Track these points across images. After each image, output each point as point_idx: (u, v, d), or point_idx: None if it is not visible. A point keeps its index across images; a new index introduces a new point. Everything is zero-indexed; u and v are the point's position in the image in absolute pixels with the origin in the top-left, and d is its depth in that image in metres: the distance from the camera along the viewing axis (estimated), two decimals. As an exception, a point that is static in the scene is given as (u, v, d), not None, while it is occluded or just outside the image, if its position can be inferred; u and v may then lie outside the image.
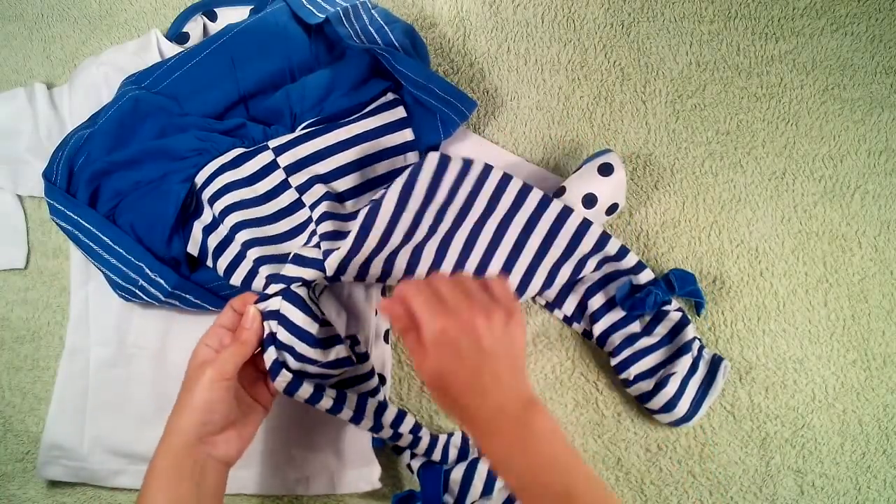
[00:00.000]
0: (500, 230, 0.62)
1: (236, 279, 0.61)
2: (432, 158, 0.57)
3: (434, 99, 0.64)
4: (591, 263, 0.62)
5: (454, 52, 0.74)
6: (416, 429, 0.60)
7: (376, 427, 0.58)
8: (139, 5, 0.76)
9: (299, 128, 0.64)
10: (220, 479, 0.52)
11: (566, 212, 0.61)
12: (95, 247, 0.62)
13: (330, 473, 0.63)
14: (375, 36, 0.66)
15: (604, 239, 0.61)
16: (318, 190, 0.61)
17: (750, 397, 0.65)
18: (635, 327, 0.63)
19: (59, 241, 0.70)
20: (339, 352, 0.56)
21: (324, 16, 0.67)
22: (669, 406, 0.61)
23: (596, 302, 0.64)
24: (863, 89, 0.72)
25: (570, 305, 0.66)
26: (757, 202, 0.70)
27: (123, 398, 0.64)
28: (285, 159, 0.62)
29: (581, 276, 0.63)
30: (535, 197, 0.61)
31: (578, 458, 0.46)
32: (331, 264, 0.57)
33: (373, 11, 0.68)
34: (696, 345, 0.62)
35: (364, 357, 0.61)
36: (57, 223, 0.64)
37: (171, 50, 0.72)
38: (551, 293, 0.65)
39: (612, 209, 0.64)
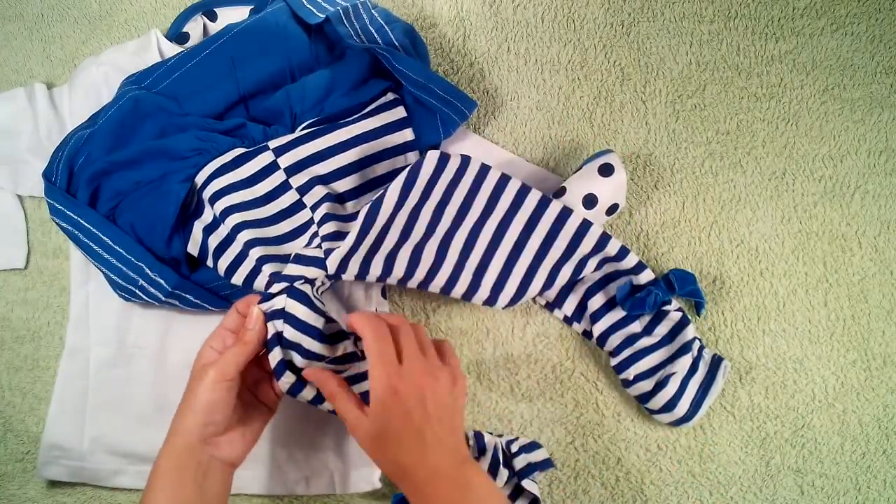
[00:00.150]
0: (500, 230, 0.62)
1: (237, 279, 0.61)
2: (432, 156, 0.57)
3: (434, 99, 0.64)
4: (592, 264, 0.63)
5: (454, 52, 0.74)
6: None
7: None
8: (139, 5, 0.76)
9: (299, 128, 0.64)
10: (225, 480, 0.52)
11: (566, 212, 0.61)
12: (95, 247, 0.62)
13: (330, 473, 0.63)
14: (375, 36, 0.66)
15: (604, 239, 0.61)
16: (319, 191, 0.61)
17: (750, 397, 0.65)
18: (635, 327, 0.63)
19: (59, 241, 0.70)
20: (346, 346, 0.56)
21: (324, 15, 0.67)
22: (669, 406, 0.61)
23: (596, 302, 0.64)
24: (863, 89, 0.72)
25: (570, 305, 0.66)
26: (757, 202, 0.70)
27: (123, 398, 0.64)
28: (286, 160, 0.62)
29: (581, 276, 0.63)
30: (534, 197, 0.61)
31: None
32: (332, 261, 0.57)
33: (373, 11, 0.68)
34: (696, 345, 0.62)
35: (365, 356, 0.61)
36: (57, 223, 0.64)
37: (171, 50, 0.72)
38: (551, 293, 0.65)
39: (612, 209, 0.64)
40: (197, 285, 0.63)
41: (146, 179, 0.63)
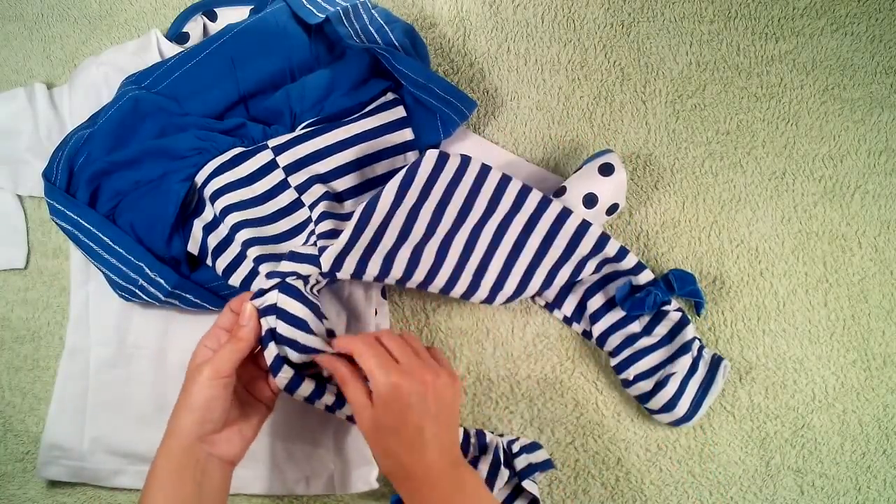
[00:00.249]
0: (500, 231, 0.62)
1: (235, 280, 0.61)
2: (431, 155, 0.57)
3: (434, 99, 0.64)
4: (591, 266, 0.62)
5: (454, 52, 0.74)
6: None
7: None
8: (139, 5, 0.76)
9: (299, 127, 0.64)
10: (224, 478, 0.52)
11: (565, 213, 0.61)
12: (95, 247, 0.62)
13: (329, 473, 0.63)
14: (375, 35, 0.66)
15: (603, 240, 0.61)
16: (318, 190, 0.61)
17: (750, 397, 0.65)
18: (635, 327, 0.63)
19: (59, 241, 0.70)
20: None
21: (324, 15, 0.67)
22: (669, 406, 0.61)
23: (595, 302, 0.64)
24: (863, 89, 0.72)
25: (569, 306, 0.66)
26: (757, 202, 0.70)
27: (123, 398, 0.64)
28: (284, 159, 0.62)
29: (580, 277, 0.63)
30: (534, 198, 0.61)
31: None
32: (327, 259, 0.57)
33: (373, 11, 0.68)
34: (695, 345, 0.62)
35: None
36: (57, 223, 0.64)
37: (171, 50, 0.72)
38: (550, 293, 0.65)
39: (612, 209, 0.64)
40: (197, 285, 0.63)
41: (146, 179, 0.63)
